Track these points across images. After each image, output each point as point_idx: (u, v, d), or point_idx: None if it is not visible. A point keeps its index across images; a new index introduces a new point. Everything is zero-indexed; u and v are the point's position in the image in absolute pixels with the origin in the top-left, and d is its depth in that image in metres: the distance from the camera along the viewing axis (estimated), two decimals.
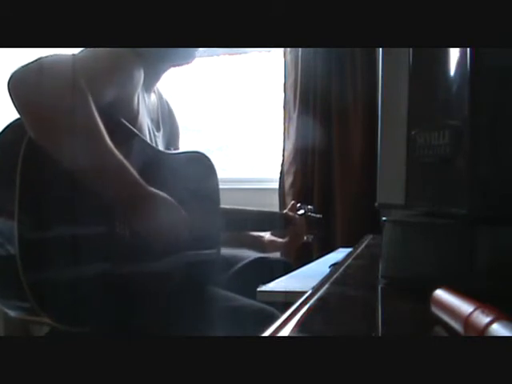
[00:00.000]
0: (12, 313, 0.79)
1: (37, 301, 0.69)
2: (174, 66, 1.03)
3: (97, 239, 0.79)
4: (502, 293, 0.33)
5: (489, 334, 0.23)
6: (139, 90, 0.92)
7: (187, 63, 1.03)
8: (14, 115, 0.76)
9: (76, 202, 0.76)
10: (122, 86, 0.85)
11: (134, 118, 0.90)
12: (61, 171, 0.72)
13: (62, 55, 0.77)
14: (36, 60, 0.74)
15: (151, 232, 0.81)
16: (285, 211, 1.36)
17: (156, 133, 1.02)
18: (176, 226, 0.85)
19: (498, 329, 0.22)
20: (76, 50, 0.83)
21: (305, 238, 1.31)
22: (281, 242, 1.29)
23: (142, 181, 0.79)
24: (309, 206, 1.36)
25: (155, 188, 0.83)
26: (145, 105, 0.97)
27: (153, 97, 1.07)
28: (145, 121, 0.95)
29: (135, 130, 0.88)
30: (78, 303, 0.72)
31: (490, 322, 0.23)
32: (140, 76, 0.91)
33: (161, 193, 0.83)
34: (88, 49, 0.82)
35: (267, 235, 1.34)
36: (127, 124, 0.86)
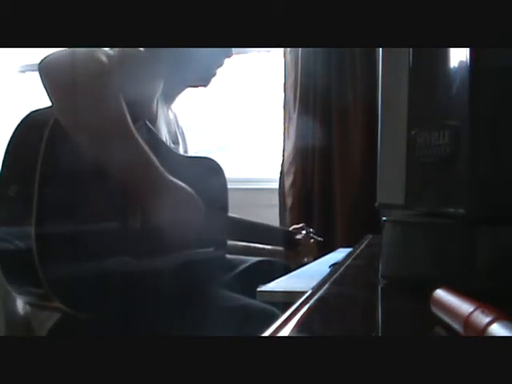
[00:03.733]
0: (23, 298, 0.80)
1: (51, 287, 0.70)
2: (190, 86, 1.08)
3: (108, 232, 0.79)
4: (502, 293, 0.33)
5: (489, 334, 0.23)
6: (157, 96, 0.94)
7: (203, 85, 1.08)
8: (15, 116, 0.76)
9: (89, 195, 0.76)
10: (143, 86, 0.87)
11: (153, 120, 0.91)
12: (81, 165, 0.73)
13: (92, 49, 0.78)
14: (64, 49, 0.75)
15: (173, 224, 0.80)
16: (291, 229, 1.39)
17: (172, 145, 1.04)
18: (195, 217, 0.85)
19: (498, 329, 0.23)
20: (76, 51, 0.84)
21: (305, 259, 1.34)
22: (285, 254, 1.32)
23: (167, 173, 0.79)
24: (311, 229, 1.40)
25: None
26: (163, 114, 0.99)
27: (171, 115, 1.11)
28: (163, 128, 0.97)
29: (152, 128, 0.89)
30: (89, 292, 0.73)
31: (490, 322, 0.23)
32: (159, 83, 0.93)
33: (180, 183, 0.83)
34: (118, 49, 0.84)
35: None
36: (148, 123, 0.87)
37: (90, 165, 0.74)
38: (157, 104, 0.94)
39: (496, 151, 0.36)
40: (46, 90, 0.73)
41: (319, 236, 1.42)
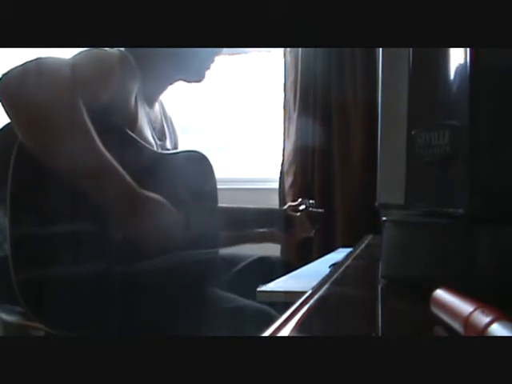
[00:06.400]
0: (7, 317, 0.79)
1: (29, 306, 0.70)
2: (182, 80, 1.05)
3: (90, 241, 0.78)
4: (502, 293, 0.33)
5: (489, 334, 0.23)
6: (133, 97, 0.92)
7: (195, 81, 1.04)
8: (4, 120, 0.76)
9: (68, 203, 0.76)
10: (112, 92, 0.85)
11: (131, 123, 0.90)
12: (52, 172, 0.72)
13: (51, 58, 0.77)
14: (24, 63, 0.74)
15: (143, 235, 0.80)
16: (285, 207, 1.37)
17: (159, 141, 1.03)
18: (169, 228, 0.84)
19: (498, 329, 0.23)
20: (76, 50, 0.84)
21: (302, 236, 1.31)
22: (282, 236, 1.29)
23: (133, 183, 0.78)
24: (310, 201, 1.36)
25: (153, 189, 0.82)
26: (144, 113, 0.98)
27: (156, 107, 1.08)
28: (145, 128, 0.95)
29: (130, 132, 0.88)
30: (71, 308, 0.72)
31: (490, 322, 0.23)
32: (133, 85, 0.91)
33: (154, 195, 0.82)
34: (79, 54, 0.82)
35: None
36: (122, 127, 0.86)
37: (61, 176, 0.73)
38: (135, 104, 0.93)
39: (496, 151, 0.36)
40: (4, 110, 0.72)
41: (319, 208, 1.38)
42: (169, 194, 0.85)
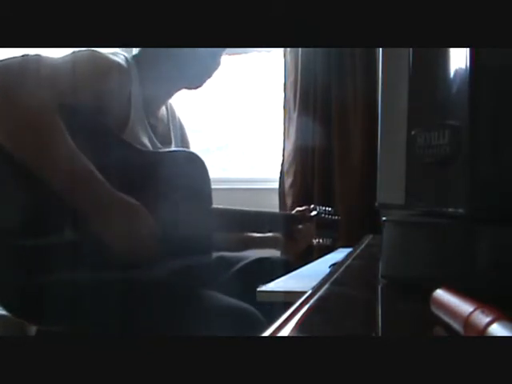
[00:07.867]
0: (5, 312, 0.80)
1: (11, 310, 0.70)
2: (184, 88, 1.05)
3: (66, 245, 0.78)
4: (502, 293, 0.33)
5: (489, 334, 0.23)
6: (125, 100, 0.92)
7: (195, 87, 1.05)
8: None
9: (38, 206, 0.76)
10: (104, 92, 0.85)
11: (120, 125, 0.89)
12: (22, 176, 0.73)
13: (38, 56, 0.77)
14: (6, 59, 0.74)
15: (113, 239, 0.79)
16: (293, 212, 1.33)
17: (160, 145, 1.02)
18: (142, 235, 0.82)
19: (498, 329, 0.22)
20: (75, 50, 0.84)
21: (320, 240, 1.26)
22: (284, 242, 1.26)
23: (108, 185, 0.78)
24: (327, 208, 1.31)
25: (139, 187, 0.82)
26: (140, 117, 0.97)
27: (161, 112, 1.08)
28: (140, 131, 0.95)
29: (115, 131, 0.87)
30: (48, 312, 0.72)
31: (490, 322, 0.23)
32: (125, 88, 0.92)
33: (131, 199, 0.81)
34: (77, 53, 0.82)
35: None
36: (109, 127, 0.86)
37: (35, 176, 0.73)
38: (128, 107, 0.93)
39: (496, 151, 0.36)
40: None
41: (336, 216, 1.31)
42: (156, 193, 0.84)
